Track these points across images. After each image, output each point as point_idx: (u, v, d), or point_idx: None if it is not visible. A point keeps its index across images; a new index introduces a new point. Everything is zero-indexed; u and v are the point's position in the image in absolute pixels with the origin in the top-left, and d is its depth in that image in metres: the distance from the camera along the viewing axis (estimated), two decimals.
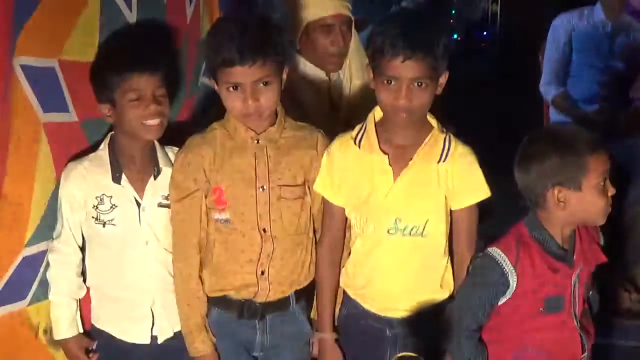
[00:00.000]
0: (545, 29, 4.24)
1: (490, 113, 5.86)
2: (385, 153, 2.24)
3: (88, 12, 2.29)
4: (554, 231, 2.20)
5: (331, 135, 2.35)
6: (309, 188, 2.33)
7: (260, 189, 2.27)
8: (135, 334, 2.39)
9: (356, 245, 2.33)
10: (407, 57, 2.10)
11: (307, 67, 2.95)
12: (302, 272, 2.37)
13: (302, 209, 2.32)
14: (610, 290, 3.60)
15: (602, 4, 4.02)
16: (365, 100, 2.55)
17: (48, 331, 2.35)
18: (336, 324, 2.41)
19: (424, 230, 2.25)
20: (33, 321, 2.30)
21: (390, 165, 2.23)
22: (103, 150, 2.33)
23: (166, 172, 2.36)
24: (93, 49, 2.33)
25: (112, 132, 2.36)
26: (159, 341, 2.41)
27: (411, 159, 2.22)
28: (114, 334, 2.39)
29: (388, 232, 2.25)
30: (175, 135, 2.38)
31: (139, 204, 2.33)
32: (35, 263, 2.27)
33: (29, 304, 2.27)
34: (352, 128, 2.31)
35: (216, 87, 2.25)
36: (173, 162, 2.36)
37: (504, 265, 2.18)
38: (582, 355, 2.27)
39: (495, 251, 2.21)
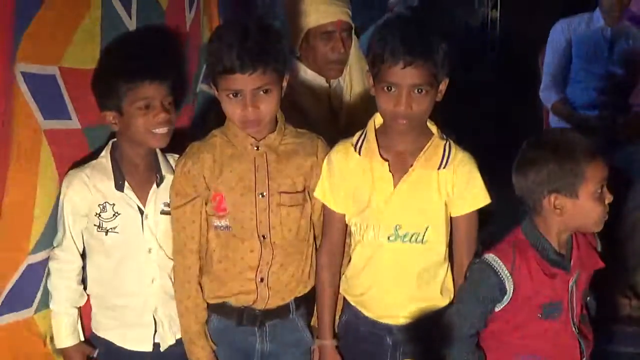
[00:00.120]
0: (544, 35, 4.24)
1: (489, 119, 5.87)
2: (385, 159, 2.24)
3: (89, 19, 2.29)
4: (551, 237, 2.20)
5: (331, 141, 2.35)
6: (309, 195, 2.33)
7: (260, 196, 2.27)
8: (137, 341, 2.39)
9: (356, 252, 2.33)
10: (407, 63, 2.10)
11: (308, 74, 2.95)
12: (301, 279, 2.37)
13: (302, 215, 2.32)
14: (609, 297, 3.60)
15: (602, 10, 4.03)
16: (366, 107, 2.55)
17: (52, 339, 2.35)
18: (336, 330, 2.41)
19: (424, 237, 2.25)
20: (40, 329, 2.31)
21: (391, 172, 2.23)
22: (105, 158, 2.33)
23: (169, 179, 2.36)
24: (94, 56, 2.32)
25: (114, 140, 2.36)
26: (162, 349, 2.40)
27: (411, 165, 2.23)
28: (115, 342, 2.39)
29: (388, 238, 2.25)
30: (173, 141, 2.37)
31: (141, 212, 2.33)
32: (40, 271, 2.27)
33: (35, 312, 2.28)
34: (352, 135, 2.31)
35: (216, 93, 2.25)
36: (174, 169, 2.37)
37: (500, 271, 2.18)
38: None
39: (491, 257, 2.21)
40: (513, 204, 2.24)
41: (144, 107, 2.25)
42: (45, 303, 2.30)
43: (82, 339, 2.38)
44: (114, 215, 2.30)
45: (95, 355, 2.40)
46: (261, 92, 2.18)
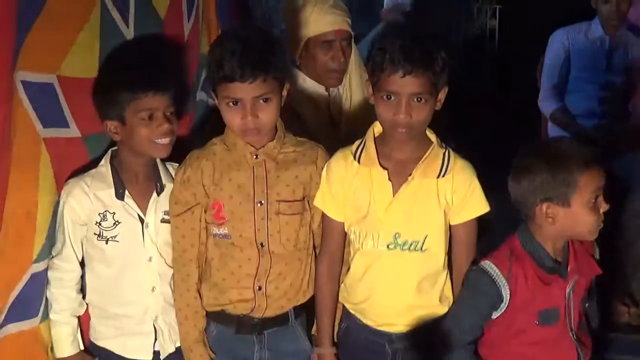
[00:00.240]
0: (543, 44, 4.25)
1: (488, 128, 5.86)
2: (384, 168, 2.24)
3: (88, 28, 2.29)
4: (546, 244, 2.20)
5: (331, 150, 2.35)
6: (308, 203, 2.33)
7: (259, 204, 2.27)
8: (137, 350, 2.39)
9: (355, 260, 2.33)
10: (406, 72, 2.11)
11: (307, 83, 2.96)
12: (300, 288, 2.37)
13: (301, 224, 2.33)
14: (608, 305, 3.60)
15: (601, 19, 4.03)
16: (365, 116, 2.56)
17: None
18: (336, 339, 2.41)
19: (423, 245, 2.25)
20: (45, 338, 2.30)
21: (390, 180, 2.24)
22: (104, 167, 2.33)
23: (169, 188, 2.37)
24: (94, 65, 2.33)
25: (113, 149, 2.36)
26: (161, 357, 2.41)
27: (410, 174, 2.23)
28: (114, 351, 2.39)
29: (387, 247, 2.25)
30: (172, 150, 2.37)
31: (142, 220, 2.34)
32: (44, 280, 2.28)
33: (40, 321, 2.28)
34: (352, 143, 2.32)
35: (216, 101, 2.26)
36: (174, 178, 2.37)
37: (496, 278, 2.19)
38: None
39: (487, 264, 2.21)
40: (512, 213, 2.25)
41: (147, 117, 2.25)
42: (48, 312, 2.30)
43: (82, 348, 2.38)
44: (114, 224, 2.30)
45: None
46: (261, 101, 2.18)
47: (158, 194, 2.36)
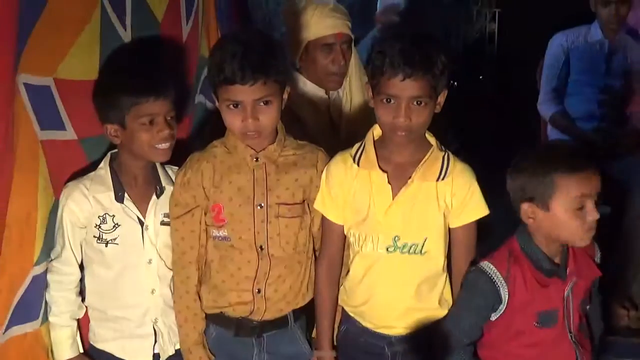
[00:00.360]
0: (542, 48, 4.25)
1: (487, 131, 5.87)
2: (384, 171, 2.25)
3: (89, 30, 2.29)
4: (542, 246, 2.20)
5: (331, 153, 2.36)
6: (308, 207, 2.34)
7: (258, 207, 2.27)
8: (137, 352, 2.39)
9: (355, 263, 2.33)
10: (406, 75, 2.11)
11: (307, 86, 2.96)
12: (300, 291, 2.37)
13: (300, 227, 2.33)
14: (607, 308, 3.59)
15: (600, 23, 4.04)
16: (365, 118, 2.56)
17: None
18: (335, 342, 2.41)
19: (422, 248, 2.25)
20: (46, 341, 2.30)
21: (389, 183, 2.24)
22: (104, 169, 2.33)
23: (168, 190, 2.37)
24: (93, 68, 2.33)
25: (112, 151, 2.36)
26: (161, 359, 2.41)
27: (410, 177, 2.23)
28: (114, 353, 2.39)
29: (387, 249, 2.26)
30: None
31: (141, 223, 2.34)
32: (44, 282, 2.28)
33: (41, 324, 2.28)
34: (352, 146, 2.32)
35: (217, 103, 2.26)
36: (174, 180, 2.37)
37: (495, 278, 2.19)
38: None
39: (486, 265, 2.22)
40: (512, 216, 2.25)
41: (148, 122, 2.25)
42: (48, 315, 2.31)
43: (82, 350, 2.38)
44: (114, 226, 2.31)
45: None
46: (261, 104, 2.18)
47: (157, 197, 2.36)
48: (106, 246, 2.30)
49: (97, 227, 2.30)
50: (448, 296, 2.34)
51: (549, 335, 2.22)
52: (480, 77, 6.65)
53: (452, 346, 2.24)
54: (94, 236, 2.30)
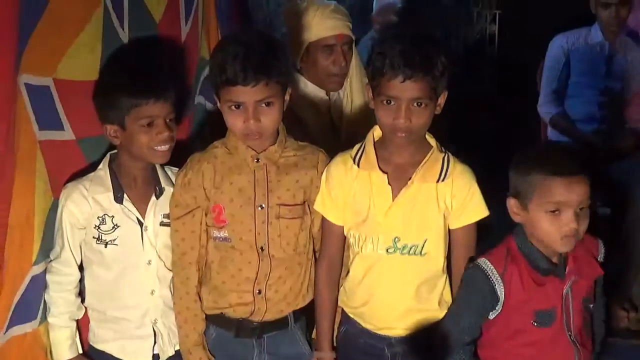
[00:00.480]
0: (543, 50, 4.26)
1: (487, 132, 5.87)
2: (384, 172, 2.25)
3: (89, 29, 2.29)
4: (538, 244, 2.20)
5: (332, 154, 2.36)
6: (309, 208, 2.34)
7: (259, 208, 2.27)
8: (136, 353, 2.39)
9: (354, 264, 2.33)
10: (406, 77, 2.11)
11: (308, 87, 2.97)
12: (300, 292, 2.37)
13: (301, 228, 2.33)
14: (607, 309, 3.59)
15: (600, 25, 4.04)
16: (366, 119, 2.56)
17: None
18: (335, 343, 2.42)
19: (422, 249, 2.25)
20: (44, 341, 2.30)
21: (390, 184, 2.24)
22: (103, 170, 2.33)
23: (168, 191, 2.37)
24: (93, 68, 2.33)
25: (112, 152, 2.36)
26: None
27: (410, 178, 2.23)
28: (113, 354, 2.38)
29: (387, 250, 2.26)
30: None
31: (141, 224, 2.34)
32: (42, 282, 2.28)
33: (39, 324, 2.28)
34: (353, 147, 2.32)
35: (218, 104, 2.26)
36: (173, 181, 2.37)
37: (490, 275, 2.19)
38: None
39: (483, 261, 2.22)
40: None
41: (147, 124, 2.25)
42: (46, 315, 2.30)
43: (81, 351, 2.38)
44: (113, 227, 2.30)
45: None
46: (263, 105, 2.18)
47: (157, 197, 2.36)
48: (105, 247, 2.30)
49: (97, 228, 2.30)
50: (448, 297, 2.34)
51: (547, 334, 2.21)
52: (481, 78, 6.65)
53: (452, 346, 2.24)
54: (94, 237, 2.30)
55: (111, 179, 2.32)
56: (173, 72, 2.57)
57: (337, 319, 2.42)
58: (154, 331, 2.38)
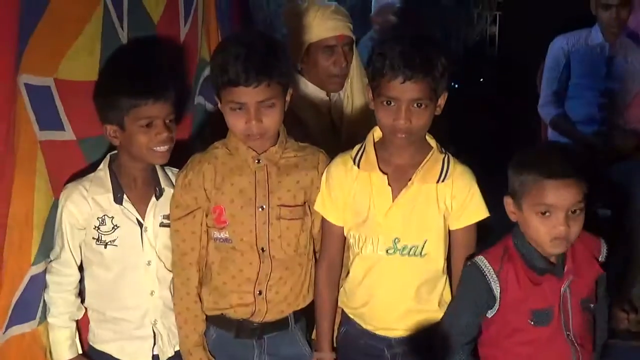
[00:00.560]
0: (543, 51, 4.26)
1: (487, 133, 5.87)
2: (384, 173, 2.25)
3: (89, 30, 2.29)
4: (535, 243, 2.19)
5: (332, 155, 2.36)
6: (309, 208, 2.34)
7: (260, 209, 2.27)
8: (136, 354, 2.39)
9: (355, 264, 2.33)
10: (406, 78, 2.11)
11: (308, 88, 2.97)
12: (301, 293, 2.37)
13: (301, 229, 2.33)
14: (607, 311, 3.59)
15: (601, 26, 4.04)
16: (366, 120, 2.56)
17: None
18: (335, 343, 2.42)
19: (422, 250, 2.25)
20: (43, 341, 2.30)
21: (390, 185, 2.24)
22: (103, 171, 2.32)
23: (168, 192, 2.36)
24: (93, 68, 2.33)
25: (112, 153, 2.36)
26: None
27: (410, 179, 2.23)
28: (113, 355, 2.38)
29: (387, 251, 2.26)
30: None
31: (140, 225, 2.34)
32: (41, 282, 2.28)
33: (38, 324, 2.28)
34: (353, 148, 2.32)
35: (220, 105, 2.26)
36: (173, 182, 2.37)
37: (486, 272, 2.19)
38: None
39: (480, 259, 2.22)
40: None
41: (146, 125, 2.25)
42: (45, 315, 2.31)
43: (80, 351, 2.38)
44: (113, 228, 2.30)
45: None
46: (265, 106, 2.19)
47: (157, 198, 2.36)
48: (105, 248, 2.30)
49: (96, 228, 2.30)
50: (448, 298, 2.34)
51: (545, 333, 2.21)
52: (481, 79, 6.66)
53: (452, 347, 2.24)
54: (93, 238, 2.30)
55: (111, 180, 2.32)
56: (172, 72, 2.56)
57: (337, 320, 2.42)
58: (154, 332, 2.38)
